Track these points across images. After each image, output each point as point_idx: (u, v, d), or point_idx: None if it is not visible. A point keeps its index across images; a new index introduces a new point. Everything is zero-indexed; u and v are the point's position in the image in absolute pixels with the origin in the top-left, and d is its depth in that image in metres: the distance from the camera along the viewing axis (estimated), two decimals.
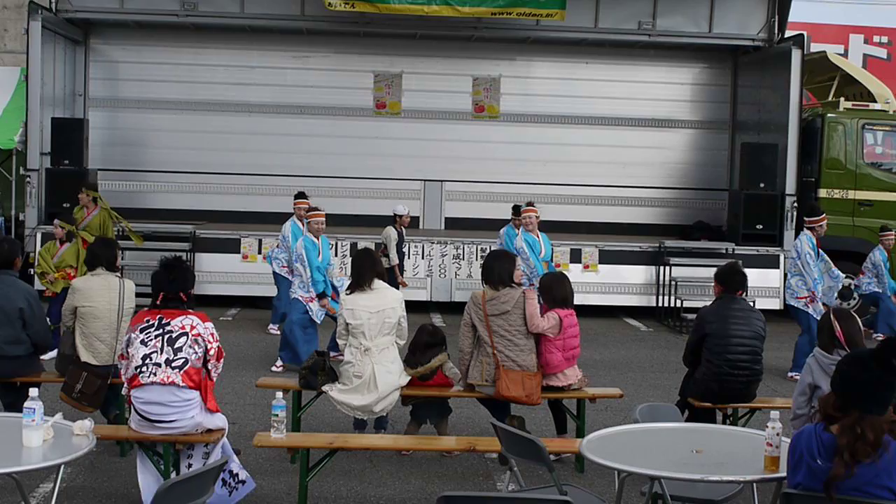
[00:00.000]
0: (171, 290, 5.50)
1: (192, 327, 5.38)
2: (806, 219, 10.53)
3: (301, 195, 11.33)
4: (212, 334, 5.45)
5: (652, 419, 5.32)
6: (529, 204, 11.39)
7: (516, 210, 11.83)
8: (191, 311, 5.51)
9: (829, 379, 5.24)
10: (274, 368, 9.81)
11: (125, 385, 5.51)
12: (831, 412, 3.78)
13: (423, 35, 15.10)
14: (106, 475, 6.42)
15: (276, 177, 14.76)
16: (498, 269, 6.78)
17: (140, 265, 12.37)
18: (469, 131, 15.69)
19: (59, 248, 10.33)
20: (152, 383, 5.30)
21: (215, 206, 15.11)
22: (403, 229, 12.39)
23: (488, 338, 6.62)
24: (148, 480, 5.52)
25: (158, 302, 5.52)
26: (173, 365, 5.30)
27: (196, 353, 5.37)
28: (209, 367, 5.45)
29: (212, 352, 5.43)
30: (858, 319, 5.46)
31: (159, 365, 5.30)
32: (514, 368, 6.59)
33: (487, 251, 13.44)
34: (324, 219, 9.95)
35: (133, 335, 5.43)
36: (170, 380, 5.29)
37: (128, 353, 5.43)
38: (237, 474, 5.59)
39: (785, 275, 13.59)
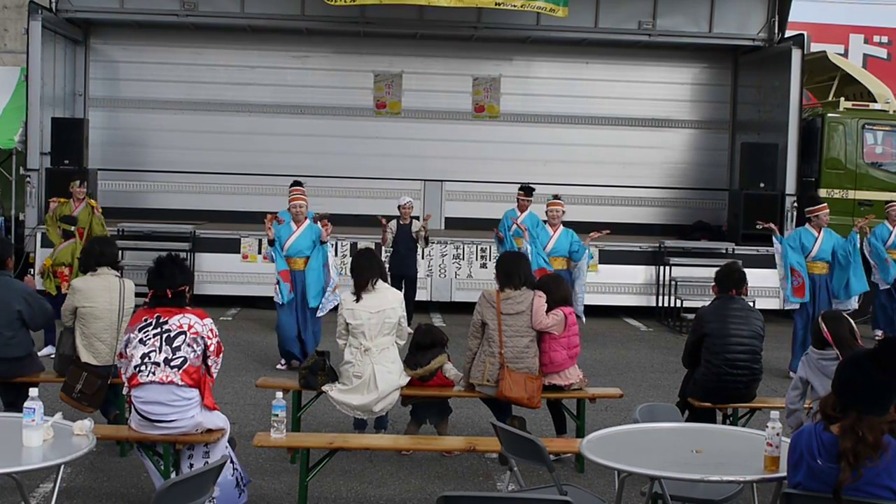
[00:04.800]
0: (159, 287, 5.47)
1: (190, 326, 5.37)
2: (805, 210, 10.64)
3: (295, 184, 11.18)
4: (211, 330, 5.44)
5: (652, 419, 5.32)
6: (556, 197, 11.09)
7: (525, 191, 11.78)
8: (188, 308, 5.50)
9: (819, 375, 5.39)
10: (278, 367, 9.85)
11: (125, 384, 5.51)
12: (831, 412, 3.78)
13: (423, 35, 15.11)
14: (106, 475, 6.42)
15: (276, 177, 14.73)
16: (517, 271, 6.78)
17: (140, 265, 12.35)
18: (469, 131, 15.69)
19: (74, 207, 10.31)
20: (151, 382, 5.30)
21: (215, 206, 15.10)
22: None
23: (498, 337, 6.62)
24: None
25: (149, 299, 5.51)
26: (172, 364, 5.30)
27: (195, 351, 5.36)
28: (209, 363, 5.44)
29: (211, 348, 5.41)
30: (850, 320, 5.55)
31: (158, 364, 5.30)
32: (518, 370, 6.59)
33: (488, 251, 13.56)
34: (301, 202, 9.87)
35: (132, 335, 5.42)
36: (168, 379, 5.29)
37: (126, 352, 5.42)
38: (242, 477, 5.59)
39: None
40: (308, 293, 9.69)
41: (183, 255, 13.08)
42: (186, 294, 5.52)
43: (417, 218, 12.27)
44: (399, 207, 11.93)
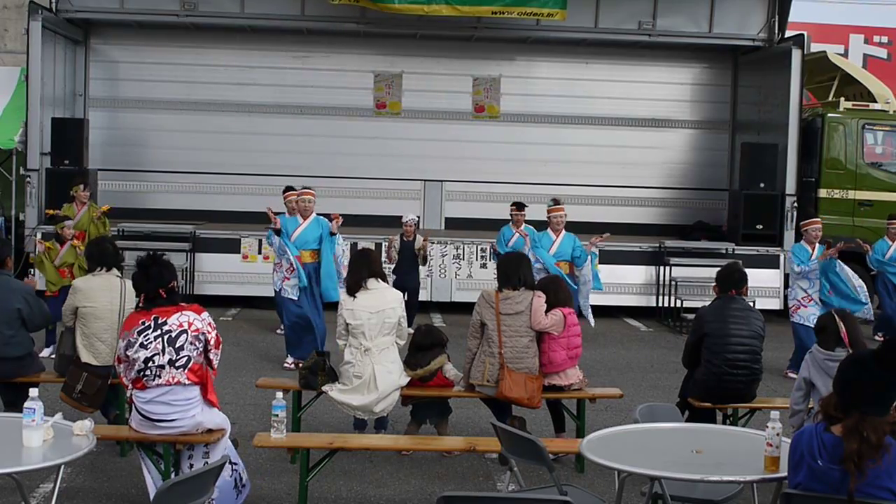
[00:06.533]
0: (150, 289, 5.44)
1: (190, 324, 5.36)
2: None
3: (288, 188, 11.26)
4: (209, 324, 5.45)
5: (652, 419, 5.32)
6: (556, 202, 11.04)
7: (518, 206, 11.67)
8: (184, 305, 5.48)
9: (824, 375, 5.36)
10: (285, 366, 9.86)
11: (128, 386, 5.48)
12: (832, 413, 3.78)
13: (423, 35, 15.10)
14: (106, 475, 6.42)
15: (276, 177, 14.73)
16: (516, 272, 6.78)
17: None
18: (469, 131, 15.69)
19: (59, 249, 10.29)
20: (158, 386, 5.30)
21: (215, 206, 15.10)
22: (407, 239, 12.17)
23: (497, 337, 6.62)
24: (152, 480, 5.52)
25: (142, 303, 5.47)
26: (177, 365, 5.29)
27: (197, 348, 5.37)
28: (210, 357, 5.44)
29: (212, 341, 5.43)
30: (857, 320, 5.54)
31: (163, 367, 5.28)
32: (518, 370, 6.59)
33: (488, 251, 13.56)
34: (309, 196, 9.93)
35: (131, 339, 5.35)
36: (175, 380, 5.29)
37: (127, 356, 5.36)
38: (241, 476, 5.59)
39: (786, 275, 13.64)
40: (324, 285, 9.68)
41: (183, 255, 13.14)
42: (163, 294, 5.43)
43: (418, 232, 12.29)
44: (403, 223, 12.00)
